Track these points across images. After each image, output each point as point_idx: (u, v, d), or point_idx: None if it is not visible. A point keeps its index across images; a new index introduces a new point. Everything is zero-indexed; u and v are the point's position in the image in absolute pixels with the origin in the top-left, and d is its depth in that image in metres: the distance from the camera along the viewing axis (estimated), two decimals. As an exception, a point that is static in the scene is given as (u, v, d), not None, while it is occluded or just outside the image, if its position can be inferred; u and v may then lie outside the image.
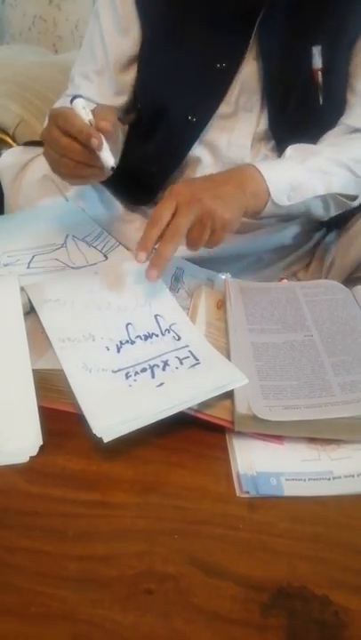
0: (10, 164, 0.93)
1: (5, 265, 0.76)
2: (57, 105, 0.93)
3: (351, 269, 0.88)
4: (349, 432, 0.55)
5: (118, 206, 0.96)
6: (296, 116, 0.81)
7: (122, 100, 0.90)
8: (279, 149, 0.83)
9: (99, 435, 0.51)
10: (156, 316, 0.64)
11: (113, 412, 0.53)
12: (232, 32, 0.78)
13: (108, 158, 0.66)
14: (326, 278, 0.91)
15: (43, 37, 1.87)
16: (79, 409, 0.54)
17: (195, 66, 0.81)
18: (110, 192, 0.95)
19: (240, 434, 0.55)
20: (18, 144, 1.12)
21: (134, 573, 0.44)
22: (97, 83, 0.89)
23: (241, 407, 0.54)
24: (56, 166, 0.71)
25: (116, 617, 0.41)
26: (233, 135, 0.85)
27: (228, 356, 0.61)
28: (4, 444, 0.53)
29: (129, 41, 0.86)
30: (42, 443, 0.54)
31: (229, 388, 0.56)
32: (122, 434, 0.51)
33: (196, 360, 0.59)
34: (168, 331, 0.63)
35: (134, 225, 0.93)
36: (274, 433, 0.55)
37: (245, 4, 0.77)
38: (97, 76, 0.89)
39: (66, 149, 0.67)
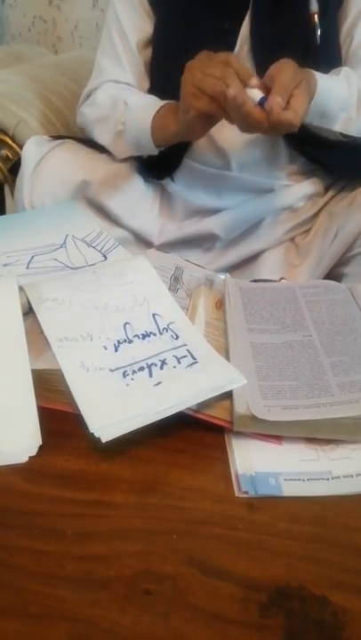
0: (33, 150, 0.96)
1: (4, 265, 0.76)
2: (92, 85, 1.02)
3: (350, 241, 0.90)
4: (348, 432, 0.55)
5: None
6: (296, 60, 0.84)
7: (148, 82, 1.00)
8: None
9: (96, 434, 0.51)
10: (154, 314, 0.64)
11: (110, 411, 0.53)
12: None
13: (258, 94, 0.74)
14: (329, 247, 0.92)
15: (42, 38, 1.87)
16: (77, 409, 0.54)
17: (205, 32, 0.89)
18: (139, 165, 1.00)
19: (239, 434, 0.55)
20: (18, 144, 1.12)
21: (133, 573, 0.44)
22: (127, 65, 1.00)
23: (240, 407, 0.54)
24: (194, 100, 0.75)
25: (114, 617, 0.41)
26: None
27: (227, 357, 0.61)
28: (3, 444, 0.53)
29: (145, 24, 0.98)
30: (41, 443, 0.54)
31: (228, 389, 0.56)
32: (120, 434, 0.51)
33: (194, 359, 0.59)
34: (166, 329, 0.63)
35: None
36: (273, 433, 0.55)
37: None
38: (125, 58, 1.00)
39: (229, 77, 0.72)
